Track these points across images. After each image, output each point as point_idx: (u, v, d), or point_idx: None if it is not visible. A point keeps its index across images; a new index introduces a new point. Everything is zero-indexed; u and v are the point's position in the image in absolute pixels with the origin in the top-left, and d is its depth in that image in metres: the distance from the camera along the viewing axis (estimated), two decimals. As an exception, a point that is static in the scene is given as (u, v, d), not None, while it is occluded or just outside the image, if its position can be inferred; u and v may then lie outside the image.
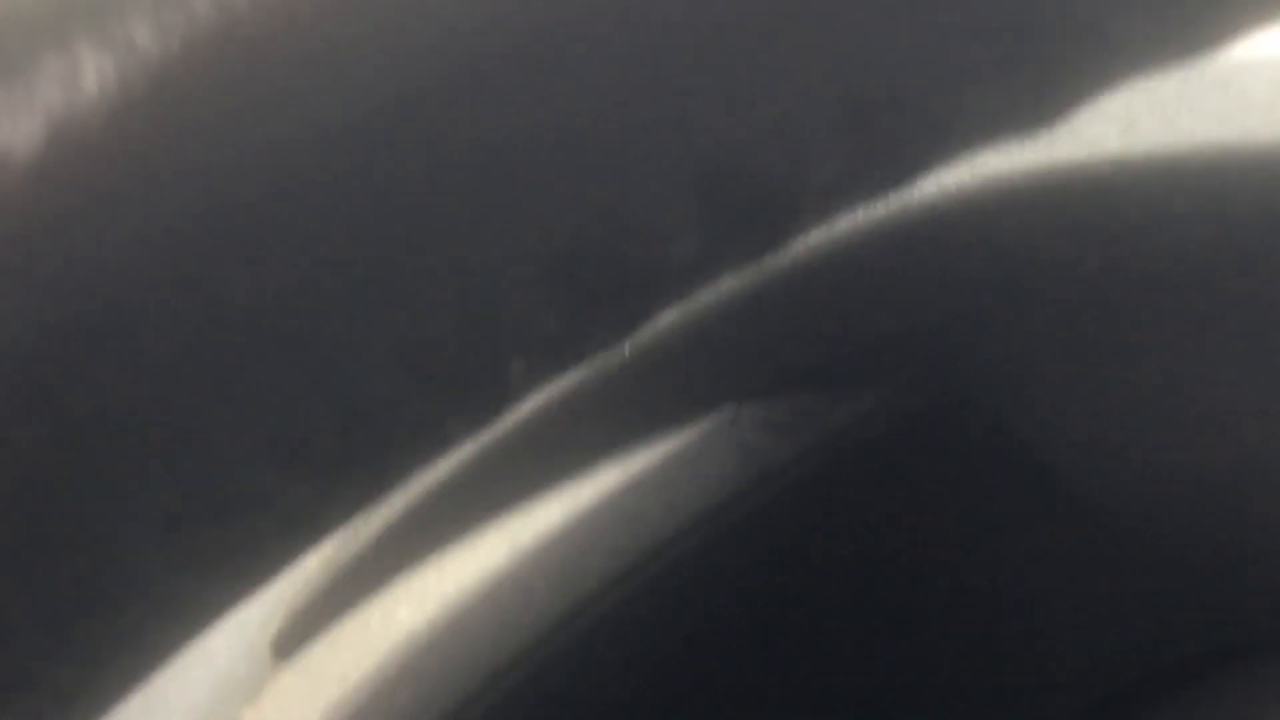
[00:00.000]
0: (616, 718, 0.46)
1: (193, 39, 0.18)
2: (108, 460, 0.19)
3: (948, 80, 0.18)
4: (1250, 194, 0.36)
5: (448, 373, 0.19)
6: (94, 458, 0.19)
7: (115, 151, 0.18)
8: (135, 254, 0.18)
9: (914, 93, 0.18)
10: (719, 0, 0.18)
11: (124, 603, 0.19)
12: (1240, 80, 0.36)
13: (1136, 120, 0.36)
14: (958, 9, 0.18)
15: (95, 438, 0.19)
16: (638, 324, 0.19)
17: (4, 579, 0.19)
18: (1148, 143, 0.37)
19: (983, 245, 0.39)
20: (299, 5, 0.18)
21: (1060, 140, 0.37)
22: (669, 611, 0.45)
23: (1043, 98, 0.18)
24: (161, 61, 0.18)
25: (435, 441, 0.20)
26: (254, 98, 0.18)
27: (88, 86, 0.18)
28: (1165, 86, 0.37)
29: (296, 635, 0.45)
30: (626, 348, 0.36)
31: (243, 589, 0.20)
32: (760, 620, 0.46)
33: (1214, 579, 0.46)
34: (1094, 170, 0.37)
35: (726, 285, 0.34)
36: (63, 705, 0.20)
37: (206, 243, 0.18)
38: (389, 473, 0.20)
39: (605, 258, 0.18)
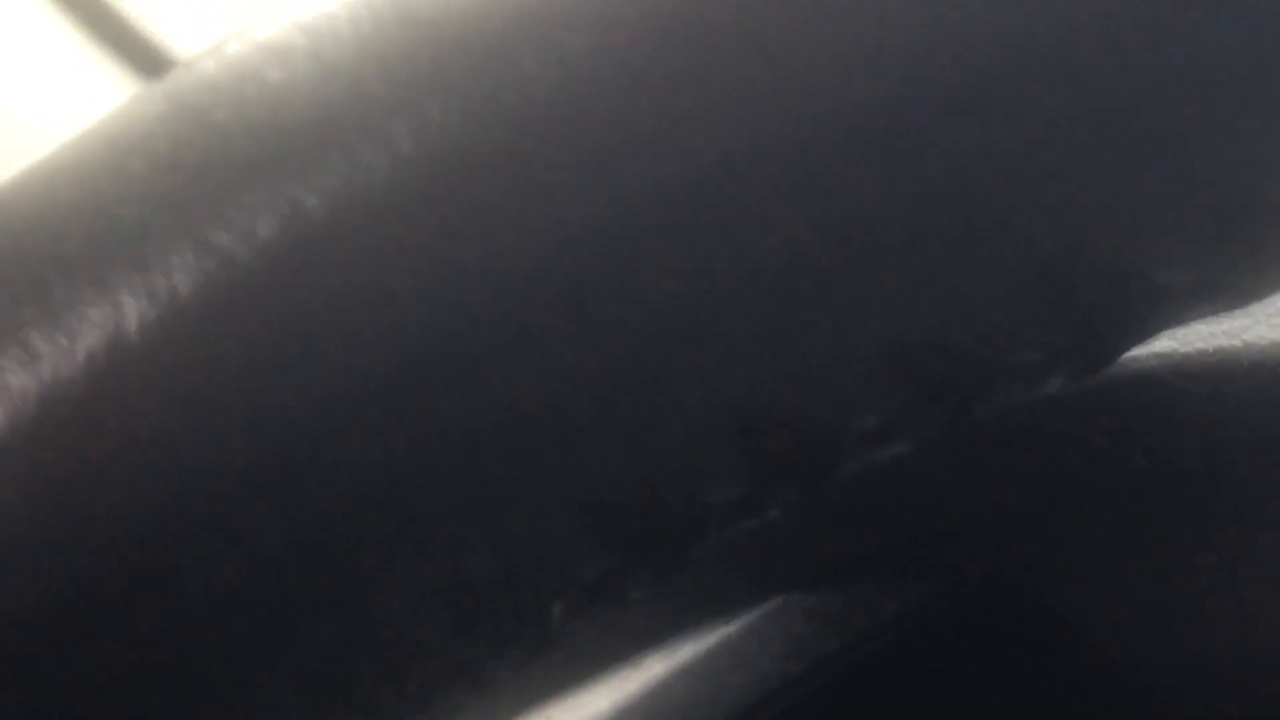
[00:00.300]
0: None
1: (232, 285, 0.18)
2: (147, 708, 0.19)
3: (992, 330, 0.18)
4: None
5: (489, 617, 0.19)
6: (133, 706, 0.19)
7: (153, 395, 0.18)
8: (173, 498, 0.18)
9: (958, 343, 0.18)
10: (759, 250, 0.18)
11: None
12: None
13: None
14: (1002, 261, 0.18)
15: (134, 684, 0.19)
16: (678, 567, 0.19)
17: None
18: (1198, 339, 0.37)
19: (1032, 439, 0.39)
20: (336, 252, 0.18)
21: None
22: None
23: (1088, 347, 0.18)
24: (202, 307, 0.18)
25: (476, 683, 0.19)
26: (293, 342, 0.18)
27: (128, 332, 0.18)
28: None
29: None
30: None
31: None
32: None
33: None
34: (1144, 366, 0.37)
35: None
36: None
37: (244, 487, 0.18)
38: (429, 713, 0.20)
39: (646, 505, 0.18)
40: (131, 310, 0.18)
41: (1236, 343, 0.36)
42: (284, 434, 0.18)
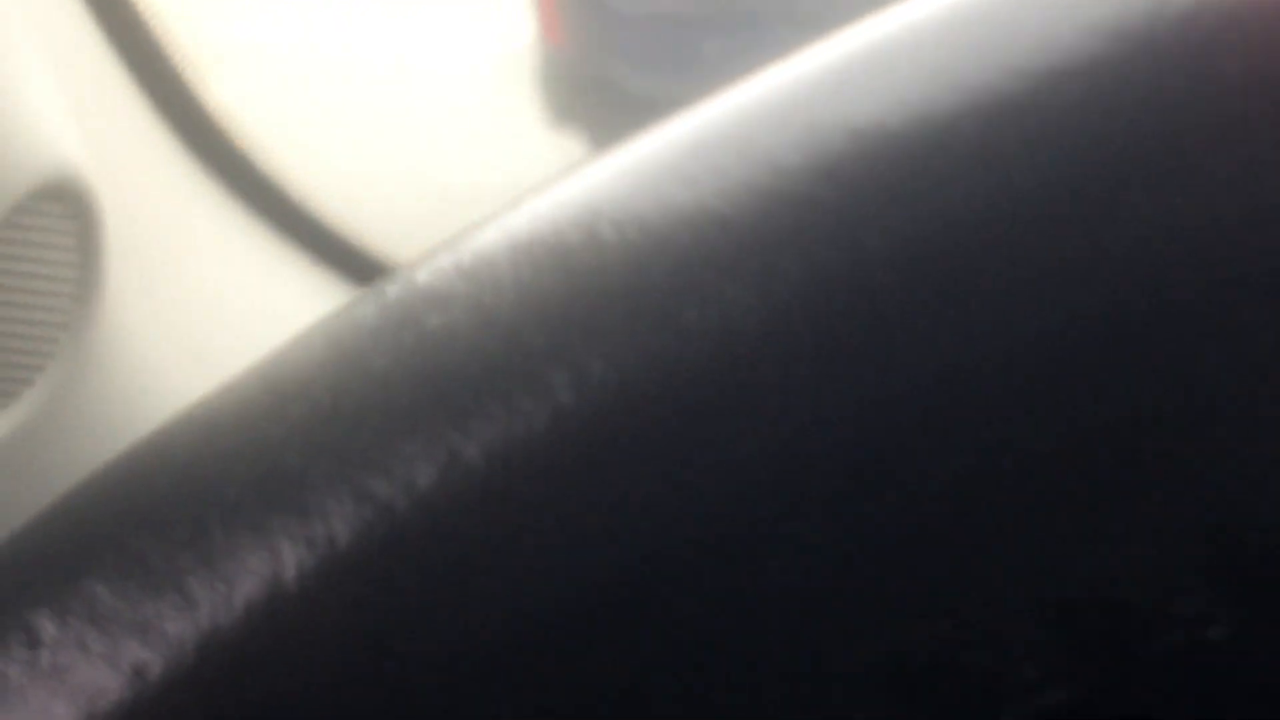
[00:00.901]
0: None
1: (390, 534, 0.18)
2: None
3: (1154, 582, 0.18)
4: None
5: None
6: None
7: (311, 645, 0.18)
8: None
9: (1121, 594, 0.18)
10: (918, 498, 0.17)
11: None
12: None
13: None
14: (1166, 512, 0.17)
15: None
16: None
17: None
18: None
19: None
20: (495, 502, 0.18)
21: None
22: None
23: (1250, 598, 0.18)
24: (360, 556, 0.18)
25: None
26: (449, 592, 0.18)
27: (287, 580, 0.18)
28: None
29: None
30: None
31: None
32: None
33: None
34: None
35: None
36: None
37: None
38: None
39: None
40: (290, 558, 0.18)
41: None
42: (439, 684, 0.18)
